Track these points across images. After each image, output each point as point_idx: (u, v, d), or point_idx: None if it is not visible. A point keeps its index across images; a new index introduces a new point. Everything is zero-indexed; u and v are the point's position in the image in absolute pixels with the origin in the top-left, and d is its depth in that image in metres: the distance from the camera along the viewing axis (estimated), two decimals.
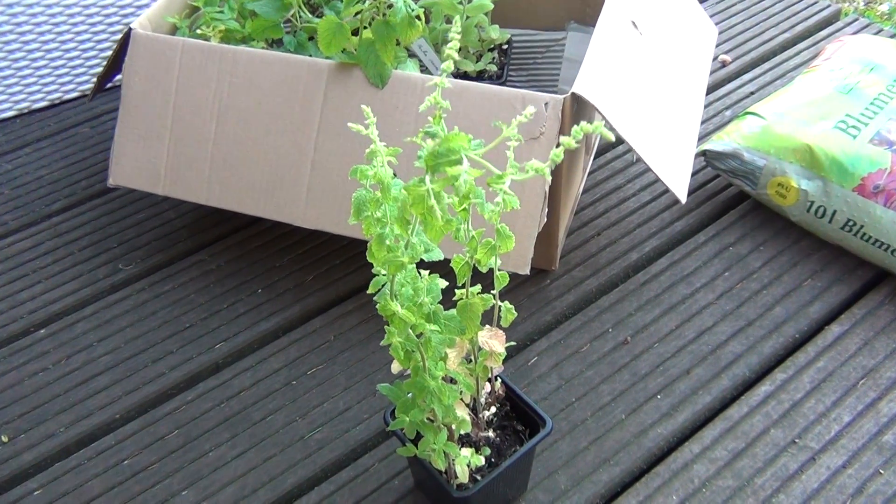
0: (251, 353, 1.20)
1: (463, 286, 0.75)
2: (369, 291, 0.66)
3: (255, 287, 1.30)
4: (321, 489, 1.03)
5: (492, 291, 0.79)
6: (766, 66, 1.69)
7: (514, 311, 0.82)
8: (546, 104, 1.04)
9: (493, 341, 0.82)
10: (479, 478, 0.86)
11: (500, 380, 0.91)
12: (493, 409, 0.92)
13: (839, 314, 1.21)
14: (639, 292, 1.25)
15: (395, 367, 0.82)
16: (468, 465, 0.83)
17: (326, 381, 1.16)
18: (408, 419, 0.76)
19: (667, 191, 1.41)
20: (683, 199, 1.12)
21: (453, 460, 0.83)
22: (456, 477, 0.85)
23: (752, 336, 1.18)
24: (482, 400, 0.89)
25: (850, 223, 1.22)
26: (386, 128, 1.10)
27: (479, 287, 0.79)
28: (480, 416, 0.90)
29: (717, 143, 1.34)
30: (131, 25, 1.21)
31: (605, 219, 1.37)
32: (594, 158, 1.49)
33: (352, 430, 1.09)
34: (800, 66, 1.66)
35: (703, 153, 1.36)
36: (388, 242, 0.61)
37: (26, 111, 1.67)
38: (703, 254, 1.31)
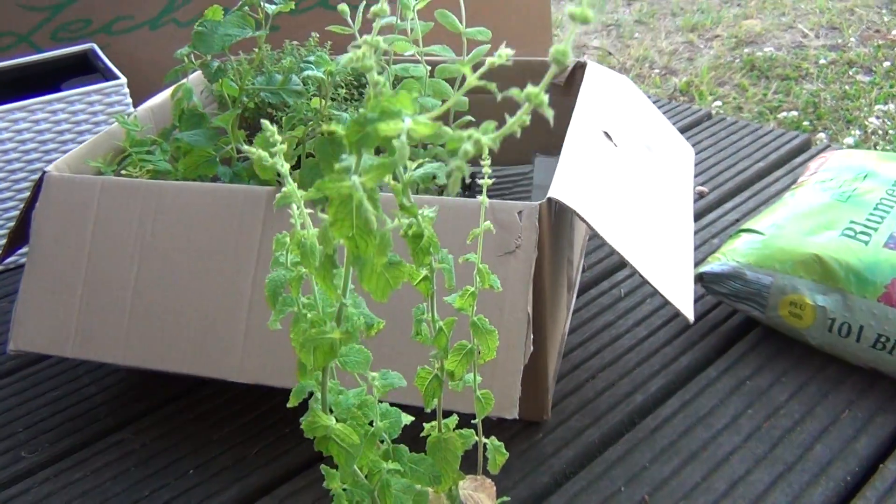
0: None
1: (433, 415, 0.55)
2: (289, 405, 0.46)
3: (186, 467, 1.06)
4: None
5: (473, 422, 0.59)
6: (746, 193, 1.59)
7: (503, 451, 0.61)
8: (520, 213, 0.90)
9: (480, 495, 0.61)
10: None
11: None
12: None
13: (892, 448, 1.00)
14: (650, 440, 1.04)
15: None
16: None
17: None
18: None
19: (664, 324, 1.24)
20: (691, 317, 0.95)
21: None
22: None
23: (795, 483, 0.96)
24: None
25: (883, 339, 1.05)
26: None
27: (454, 419, 0.59)
28: None
29: (714, 265, 1.19)
30: (46, 169, 1.07)
31: (598, 359, 1.19)
32: (577, 296, 1.33)
33: None
34: (782, 191, 1.57)
35: (700, 277, 1.21)
36: (306, 314, 0.42)
37: None
38: (717, 390, 1.12)
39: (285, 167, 0.44)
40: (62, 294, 1.02)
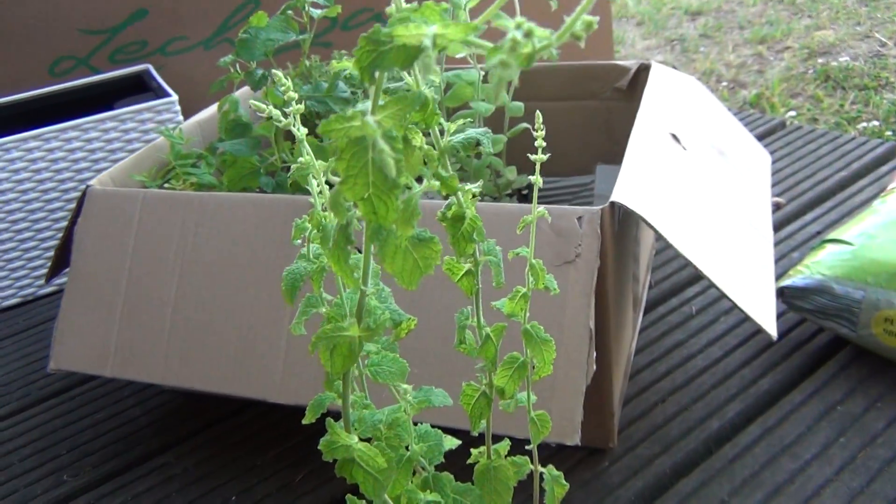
0: None
1: (482, 440, 0.48)
2: (305, 422, 0.39)
3: (228, 494, 1.01)
4: None
5: (527, 448, 0.51)
6: (828, 204, 1.48)
7: (563, 482, 0.53)
8: (580, 219, 0.82)
9: None
10: None
11: None
12: None
13: None
14: (729, 471, 0.94)
15: None
16: None
17: None
18: None
19: (741, 344, 1.14)
20: (774, 334, 0.86)
21: None
22: None
23: None
24: None
25: None
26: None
27: (507, 444, 0.52)
28: None
29: (796, 279, 1.09)
30: (89, 183, 1.04)
31: (668, 381, 1.09)
32: (643, 314, 1.23)
33: None
34: (867, 201, 1.44)
35: (781, 292, 1.10)
36: (321, 306, 0.36)
37: None
38: (804, 416, 1.01)
39: (301, 130, 0.38)
40: (102, 311, 0.98)
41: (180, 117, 1.46)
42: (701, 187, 0.97)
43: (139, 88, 1.63)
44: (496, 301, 0.48)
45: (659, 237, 0.82)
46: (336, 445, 0.36)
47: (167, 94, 1.49)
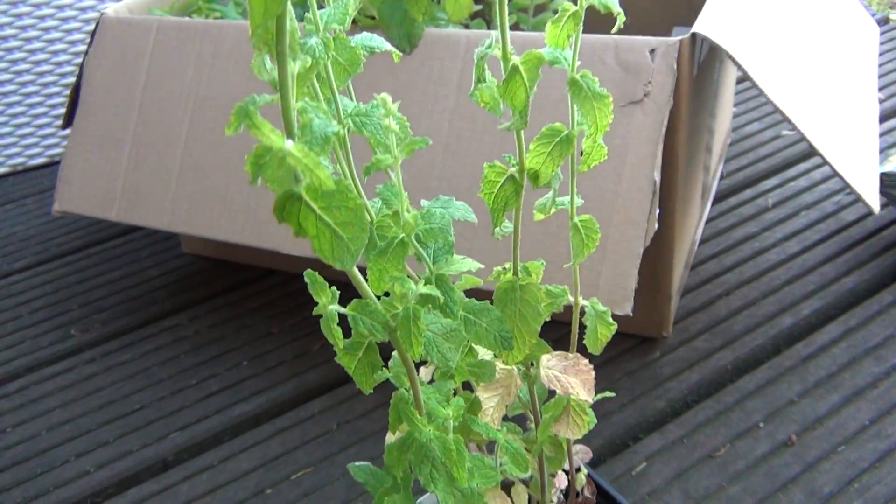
0: (215, 447, 0.82)
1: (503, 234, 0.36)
2: (228, 132, 0.28)
3: (239, 358, 0.93)
4: None
5: (566, 266, 0.40)
6: None
7: (609, 321, 0.42)
8: (652, 52, 0.68)
9: (571, 379, 0.42)
10: None
11: (584, 472, 0.50)
12: None
13: None
14: (801, 370, 0.82)
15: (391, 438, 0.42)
16: None
17: (316, 491, 0.75)
18: None
19: (824, 240, 1.00)
20: (876, 207, 0.72)
21: None
22: None
23: None
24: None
25: None
26: (416, 105, 0.76)
27: (541, 263, 0.40)
28: None
29: None
30: (104, 11, 0.94)
31: (735, 274, 0.96)
32: (712, 205, 1.10)
33: None
34: None
35: (880, 180, 0.95)
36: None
37: (20, 168, 1.42)
38: (893, 319, 0.87)
39: None
40: (110, 151, 0.89)
41: None
42: (801, 39, 0.81)
43: None
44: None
45: (746, 80, 0.68)
46: (262, 155, 0.24)
47: None
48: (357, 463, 0.45)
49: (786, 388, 0.80)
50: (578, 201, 0.39)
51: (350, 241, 0.25)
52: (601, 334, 0.42)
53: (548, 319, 0.41)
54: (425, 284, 0.32)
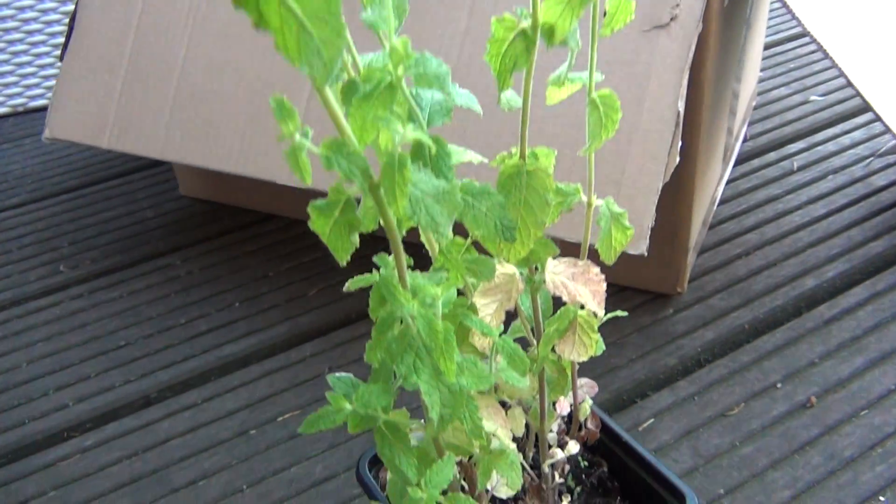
0: (200, 386, 0.78)
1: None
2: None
3: (232, 300, 0.89)
4: None
5: (580, 154, 0.35)
6: None
7: (625, 225, 0.37)
8: None
9: (581, 288, 0.37)
10: None
11: (589, 403, 0.45)
12: (573, 467, 0.45)
13: None
14: (824, 332, 0.77)
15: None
16: None
17: (303, 435, 0.71)
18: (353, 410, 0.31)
19: (852, 204, 0.95)
20: None
21: None
22: None
23: None
24: (551, 438, 0.43)
25: None
26: (426, 29, 0.71)
27: (551, 152, 0.36)
28: (545, 472, 0.43)
29: None
30: None
31: (756, 235, 0.91)
32: (734, 166, 1.05)
33: None
34: None
35: None
36: None
37: (21, 109, 1.38)
38: None
39: None
40: (104, 75, 0.85)
41: None
42: None
43: None
44: None
45: (787, 10, 0.63)
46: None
47: None
48: (337, 374, 0.41)
49: (806, 350, 0.75)
50: (599, 76, 0.34)
51: (322, 42, 0.21)
52: (616, 240, 0.38)
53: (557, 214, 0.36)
54: (418, 158, 0.27)
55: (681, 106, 0.62)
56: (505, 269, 0.37)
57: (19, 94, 1.38)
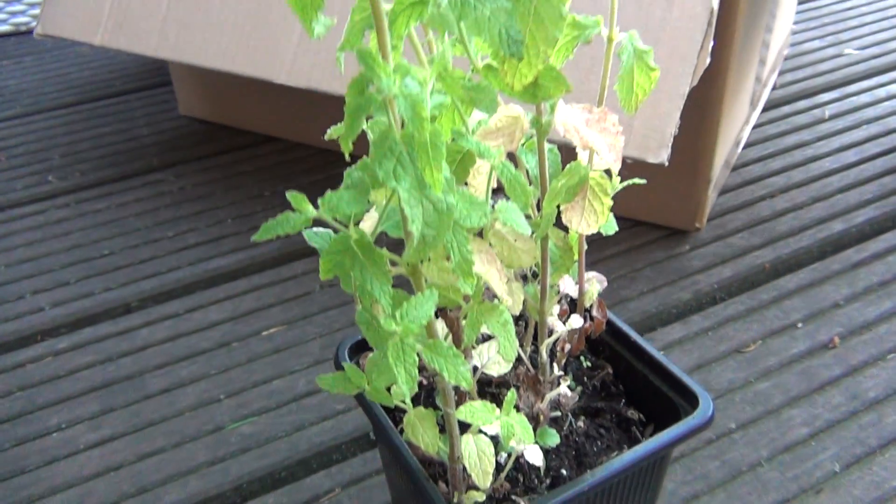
0: (183, 297, 0.74)
1: None
2: None
3: (223, 216, 0.85)
4: None
5: None
6: None
7: (652, 65, 0.32)
8: None
9: (595, 135, 0.32)
10: (518, 500, 0.35)
11: (597, 288, 0.40)
12: (574, 367, 0.41)
13: None
14: (851, 275, 0.72)
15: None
16: (498, 456, 0.32)
17: (288, 349, 0.67)
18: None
19: (885, 153, 0.89)
20: None
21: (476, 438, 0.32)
22: (466, 483, 0.33)
23: None
24: (551, 322, 0.38)
25: None
26: None
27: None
28: (543, 361, 0.39)
29: None
30: None
31: (783, 178, 0.86)
32: (762, 112, 0.99)
33: (308, 429, 0.59)
34: None
35: None
36: None
37: (24, 29, 1.34)
38: None
39: None
40: None
41: None
42: None
43: None
44: None
45: None
46: None
47: None
48: (315, 229, 0.37)
49: (831, 291, 0.70)
50: None
51: None
52: (638, 84, 0.33)
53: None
54: None
55: (714, 2, 0.56)
56: (509, 110, 0.32)
57: (22, 13, 1.33)
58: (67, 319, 0.71)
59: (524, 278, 0.40)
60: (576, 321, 0.37)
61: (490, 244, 0.31)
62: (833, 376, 0.61)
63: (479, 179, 0.35)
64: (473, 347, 0.35)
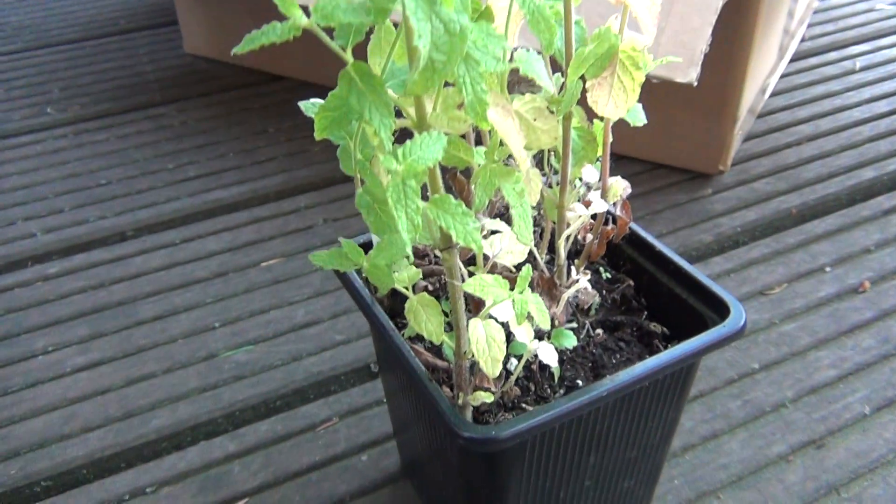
0: (180, 227, 0.71)
1: None
2: None
3: (225, 150, 0.82)
4: (216, 443, 0.50)
5: None
6: None
7: None
8: None
9: None
10: (528, 407, 0.32)
11: (623, 188, 0.37)
12: (594, 280, 0.38)
13: None
14: (882, 222, 0.68)
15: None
16: (508, 363, 0.29)
17: (287, 280, 0.64)
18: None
19: None
20: None
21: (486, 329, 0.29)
22: (472, 384, 0.30)
23: None
24: (571, 212, 0.35)
25: None
26: None
27: None
28: (561, 262, 0.35)
29: None
30: None
31: (811, 126, 0.82)
32: (790, 62, 0.95)
33: (305, 360, 0.56)
34: None
35: None
36: None
37: None
38: None
39: None
40: None
41: None
42: None
43: None
44: None
45: None
46: None
47: None
48: (312, 100, 0.34)
49: (862, 237, 0.66)
50: None
51: None
52: None
53: None
54: None
55: None
56: None
57: None
58: (59, 246, 0.69)
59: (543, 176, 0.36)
60: (600, 205, 0.34)
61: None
62: (863, 319, 0.58)
63: (497, 21, 0.31)
64: (484, 237, 0.31)
